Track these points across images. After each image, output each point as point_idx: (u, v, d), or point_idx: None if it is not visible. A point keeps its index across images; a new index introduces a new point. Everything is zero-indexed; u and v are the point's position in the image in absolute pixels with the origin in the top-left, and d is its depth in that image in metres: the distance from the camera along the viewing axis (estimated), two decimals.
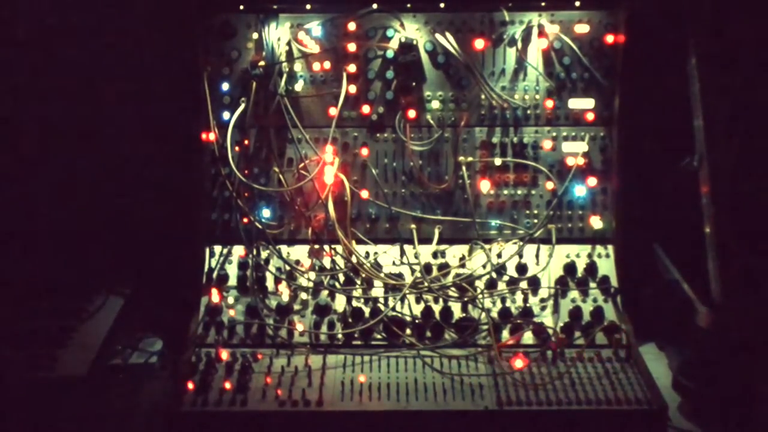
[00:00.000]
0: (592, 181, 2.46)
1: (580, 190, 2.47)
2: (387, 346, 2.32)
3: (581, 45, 2.42)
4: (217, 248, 2.46)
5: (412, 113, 2.44)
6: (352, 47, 2.42)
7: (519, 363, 2.21)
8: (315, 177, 2.44)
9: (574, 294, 2.41)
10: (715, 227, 2.14)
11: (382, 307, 2.36)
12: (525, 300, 2.39)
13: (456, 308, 2.37)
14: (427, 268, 2.42)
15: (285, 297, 2.39)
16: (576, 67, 2.44)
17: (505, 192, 2.49)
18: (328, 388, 2.14)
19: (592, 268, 2.43)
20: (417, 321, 2.36)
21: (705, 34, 2.14)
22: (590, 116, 2.46)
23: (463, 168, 2.45)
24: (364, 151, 2.47)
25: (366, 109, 2.46)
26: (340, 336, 2.34)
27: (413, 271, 2.41)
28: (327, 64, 2.44)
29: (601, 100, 2.45)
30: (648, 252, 2.48)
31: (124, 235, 2.57)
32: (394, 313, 2.35)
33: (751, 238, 2.12)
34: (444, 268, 2.43)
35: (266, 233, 2.43)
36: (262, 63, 2.40)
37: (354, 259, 2.42)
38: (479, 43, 2.41)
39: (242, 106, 2.41)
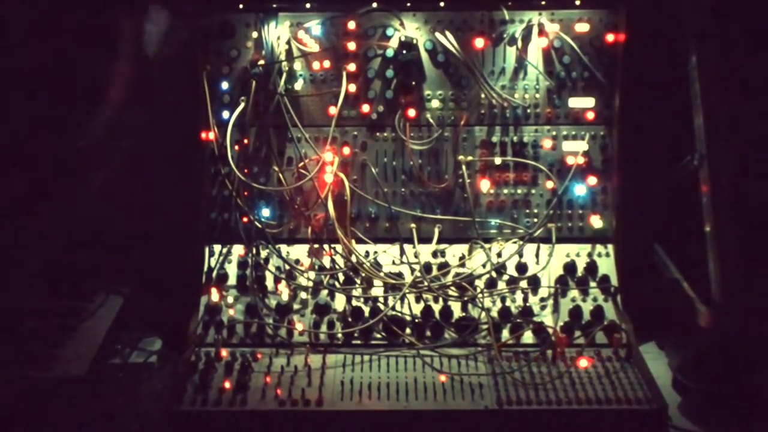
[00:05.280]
0: (592, 180, 2.46)
1: (580, 190, 2.47)
2: (387, 345, 2.32)
3: (581, 44, 2.42)
4: (217, 247, 2.46)
5: (411, 112, 2.44)
6: (351, 46, 2.42)
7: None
8: (315, 176, 2.44)
9: (574, 293, 2.41)
10: (715, 227, 2.13)
11: (382, 307, 2.36)
12: (525, 299, 2.39)
13: (456, 308, 2.37)
14: (426, 268, 2.42)
15: (285, 296, 2.39)
16: (576, 66, 2.44)
17: (505, 191, 2.49)
18: (327, 388, 2.14)
19: (592, 267, 2.43)
20: (417, 320, 2.36)
21: (705, 33, 2.14)
22: (590, 115, 2.46)
23: (463, 167, 2.45)
24: (364, 150, 2.47)
25: (366, 108, 2.46)
26: (339, 335, 2.34)
27: (413, 271, 2.41)
28: (327, 63, 2.44)
29: (602, 99, 2.45)
30: (648, 252, 2.47)
31: (124, 235, 2.57)
32: (394, 313, 2.35)
33: (751, 239, 2.11)
34: (444, 267, 2.43)
35: (266, 232, 2.43)
36: (261, 62, 2.40)
37: (354, 259, 2.42)
38: (479, 42, 2.41)
39: (242, 105, 2.41)
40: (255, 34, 2.42)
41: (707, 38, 2.13)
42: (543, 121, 2.47)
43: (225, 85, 2.44)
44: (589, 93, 2.45)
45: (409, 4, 2.41)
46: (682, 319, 2.23)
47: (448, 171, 2.48)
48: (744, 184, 2.13)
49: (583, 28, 2.42)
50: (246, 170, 2.44)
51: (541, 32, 2.41)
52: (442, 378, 2.17)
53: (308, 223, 2.47)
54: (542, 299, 2.40)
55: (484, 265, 2.42)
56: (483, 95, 2.45)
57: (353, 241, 2.45)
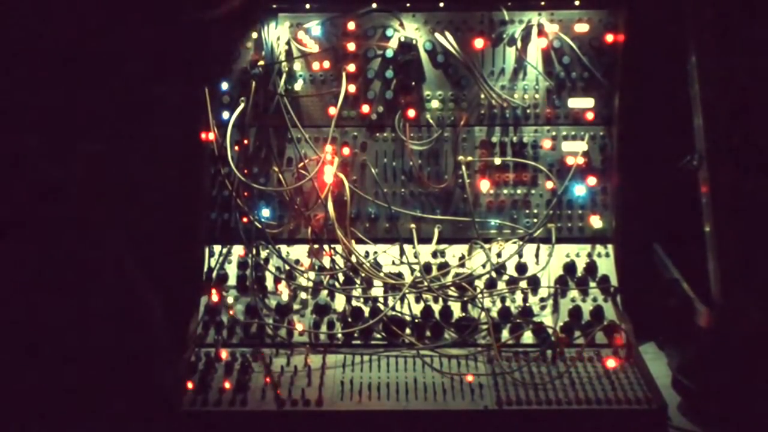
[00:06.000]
0: (592, 180, 2.46)
1: (579, 190, 2.47)
2: (387, 345, 2.32)
3: (581, 44, 2.42)
4: (217, 248, 2.45)
5: (411, 113, 2.44)
6: (351, 47, 2.42)
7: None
8: (314, 176, 2.44)
9: (573, 293, 2.41)
10: (715, 227, 2.13)
11: (382, 307, 2.36)
12: (525, 299, 2.39)
13: (456, 308, 2.37)
14: (426, 268, 2.42)
15: (284, 297, 2.39)
16: (576, 66, 2.44)
17: (505, 191, 2.49)
18: (327, 388, 2.14)
19: (591, 267, 2.43)
20: (416, 320, 2.36)
21: (705, 33, 2.14)
22: (590, 115, 2.46)
23: (463, 167, 2.45)
24: (364, 151, 2.47)
25: (365, 108, 2.46)
26: (339, 336, 2.34)
27: (413, 271, 2.41)
28: (326, 64, 2.44)
29: (601, 100, 2.45)
30: (648, 252, 2.48)
31: (123, 235, 2.56)
32: (394, 313, 2.35)
33: (750, 239, 2.11)
34: (443, 267, 2.43)
35: (266, 233, 2.43)
36: (261, 62, 2.40)
37: (353, 259, 2.42)
38: (479, 43, 2.41)
39: (242, 106, 2.41)
40: (255, 35, 2.42)
41: (707, 38, 2.14)
42: (542, 122, 2.47)
43: (225, 86, 2.44)
44: (588, 93, 2.45)
45: (408, 5, 2.41)
46: (682, 319, 2.23)
47: (448, 171, 2.48)
48: (744, 184, 2.13)
49: (582, 28, 2.42)
50: (246, 170, 2.44)
51: (541, 32, 2.41)
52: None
53: (308, 223, 2.47)
54: (542, 299, 2.40)
55: (483, 266, 2.42)
56: (483, 95, 2.45)
57: (353, 241, 2.45)
